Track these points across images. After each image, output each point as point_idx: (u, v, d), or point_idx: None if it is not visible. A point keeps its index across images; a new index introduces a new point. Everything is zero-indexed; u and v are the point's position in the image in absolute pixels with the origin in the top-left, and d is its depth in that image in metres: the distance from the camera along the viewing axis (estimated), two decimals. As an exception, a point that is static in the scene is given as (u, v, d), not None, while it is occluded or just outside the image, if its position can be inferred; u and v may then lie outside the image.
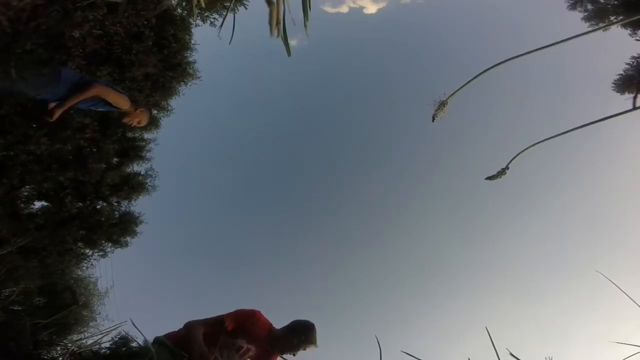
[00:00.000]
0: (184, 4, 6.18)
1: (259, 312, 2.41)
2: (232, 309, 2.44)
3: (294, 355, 2.32)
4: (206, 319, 2.34)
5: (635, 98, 5.64)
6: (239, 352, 2.28)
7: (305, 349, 2.29)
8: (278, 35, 1.61)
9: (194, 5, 4.30)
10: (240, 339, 2.29)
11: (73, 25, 5.30)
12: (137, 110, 3.64)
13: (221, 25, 2.18)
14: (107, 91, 3.39)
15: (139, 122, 3.69)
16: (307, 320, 2.41)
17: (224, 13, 5.98)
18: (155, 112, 6.71)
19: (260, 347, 2.35)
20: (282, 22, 1.61)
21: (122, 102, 3.48)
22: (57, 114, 3.20)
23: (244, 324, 2.32)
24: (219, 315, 2.36)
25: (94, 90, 3.29)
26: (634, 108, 5.53)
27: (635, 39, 6.20)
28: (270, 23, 1.59)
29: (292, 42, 1.76)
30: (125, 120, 3.63)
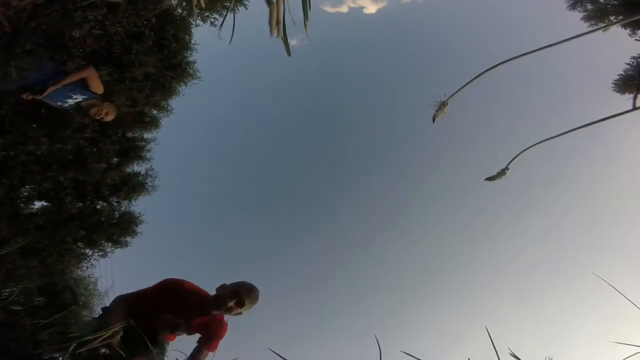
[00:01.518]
0: (184, 4, 6.18)
1: (186, 282, 2.29)
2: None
3: (230, 312, 2.18)
4: (129, 295, 2.27)
5: (635, 98, 5.63)
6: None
7: (241, 307, 2.16)
8: (278, 36, 1.61)
9: (194, 5, 4.32)
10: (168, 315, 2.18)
11: (73, 25, 5.30)
12: (105, 103, 3.69)
13: (221, 25, 2.18)
14: (95, 74, 3.53)
15: (106, 114, 3.68)
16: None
17: (224, 13, 5.98)
18: (155, 112, 6.72)
19: (191, 318, 2.22)
20: (282, 22, 1.61)
21: (101, 88, 3.61)
22: (49, 91, 3.35)
23: (169, 294, 2.22)
24: (145, 290, 2.28)
25: (89, 71, 3.48)
26: (634, 108, 5.53)
27: (635, 39, 6.20)
28: (270, 23, 1.59)
29: (292, 42, 1.76)
30: (94, 111, 3.62)
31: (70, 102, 3.59)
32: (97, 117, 3.70)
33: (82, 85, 3.52)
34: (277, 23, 1.57)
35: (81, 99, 3.59)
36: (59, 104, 3.60)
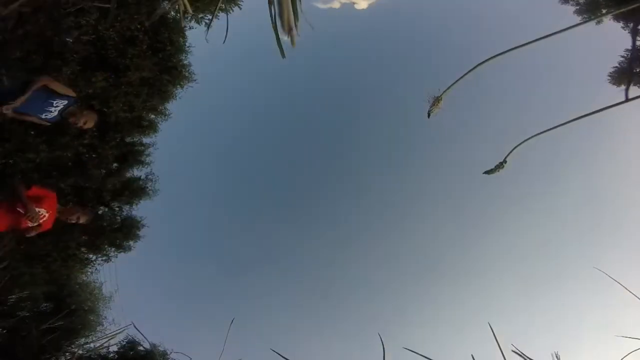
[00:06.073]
0: (176, 7, 6.15)
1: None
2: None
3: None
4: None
5: (627, 90, 5.69)
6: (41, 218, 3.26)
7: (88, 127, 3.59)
8: (293, 45, 1.61)
9: (182, 12, 4.30)
10: (44, 208, 3.33)
11: (63, 31, 5.26)
12: (83, 111, 3.62)
13: (208, 27, 2.19)
14: (52, 81, 3.39)
15: (84, 123, 3.61)
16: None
17: (218, 14, 5.96)
18: (153, 116, 6.71)
19: (51, 214, 3.37)
20: (293, 29, 1.62)
21: (67, 89, 3.49)
22: (21, 100, 3.20)
23: (43, 195, 3.42)
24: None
25: (43, 79, 3.31)
26: (627, 100, 5.58)
27: (628, 32, 6.23)
28: (282, 26, 1.60)
29: (284, 39, 1.77)
30: (72, 120, 3.58)
31: (54, 110, 3.49)
32: (76, 126, 3.64)
33: (53, 94, 3.40)
34: (289, 30, 1.57)
35: (62, 105, 3.49)
36: (44, 116, 3.47)
